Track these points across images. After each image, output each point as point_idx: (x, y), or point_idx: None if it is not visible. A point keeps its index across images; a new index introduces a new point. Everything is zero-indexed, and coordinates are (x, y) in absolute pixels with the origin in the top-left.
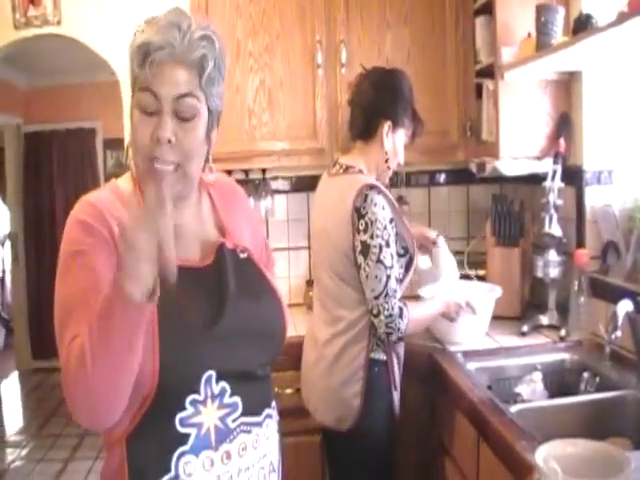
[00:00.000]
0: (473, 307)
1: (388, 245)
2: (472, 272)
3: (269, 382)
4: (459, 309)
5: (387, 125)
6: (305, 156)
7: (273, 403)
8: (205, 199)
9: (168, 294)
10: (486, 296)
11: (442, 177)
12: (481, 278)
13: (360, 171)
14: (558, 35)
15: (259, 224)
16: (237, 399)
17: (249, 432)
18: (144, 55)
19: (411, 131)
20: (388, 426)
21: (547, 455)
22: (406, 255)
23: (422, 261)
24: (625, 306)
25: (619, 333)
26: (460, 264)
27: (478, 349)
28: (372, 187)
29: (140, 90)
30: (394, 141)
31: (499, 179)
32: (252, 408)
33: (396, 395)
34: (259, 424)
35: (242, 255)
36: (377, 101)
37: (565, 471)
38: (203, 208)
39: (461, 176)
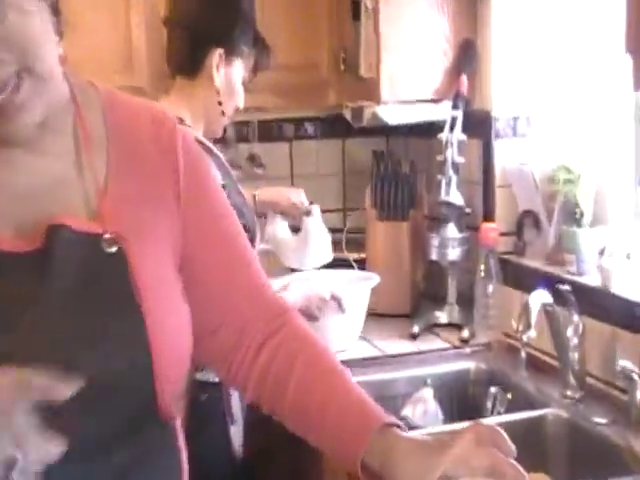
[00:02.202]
0: (341, 301)
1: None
2: (351, 255)
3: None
4: (323, 304)
5: (218, 54)
6: None
7: None
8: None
9: None
10: (359, 286)
11: (309, 128)
12: (361, 263)
13: (181, 121)
14: None
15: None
16: None
17: None
18: None
19: (252, 62)
20: (225, 474)
21: None
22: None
23: (282, 228)
24: (540, 297)
25: (533, 333)
26: (336, 245)
27: (350, 358)
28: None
29: None
30: (229, 76)
31: (382, 130)
32: None
33: (235, 430)
34: None
35: (109, 249)
36: (203, 20)
37: None
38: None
39: (335, 126)
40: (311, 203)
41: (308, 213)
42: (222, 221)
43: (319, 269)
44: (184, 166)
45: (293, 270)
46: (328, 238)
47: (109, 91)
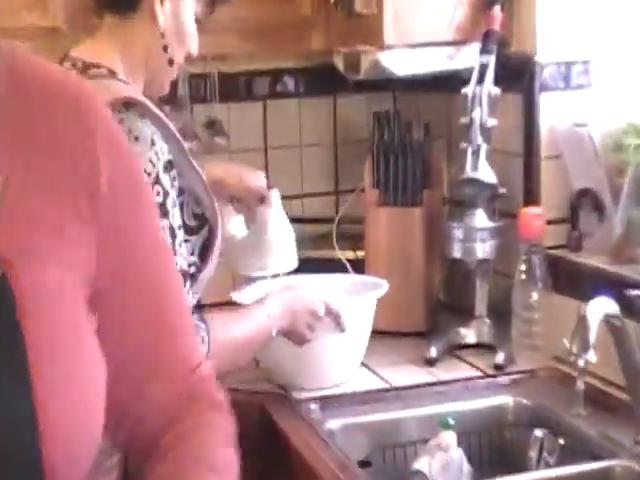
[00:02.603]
0: (339, 317)
1: (165, 214)
2: (344, 254)
3: None
4: (315, 321)
5: None
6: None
7: None
8: None
9: None
10: (362, 297)
11: (288, 82)
12: (357, 264)
13: (111, 72)
14: None
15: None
16: None
17: None
18: None
19: None
20: None
21: None
22: (202, 229)
23: (235, 224)
24: (602, 307)
25: (592, 356)
26: (325, 240)
27: (347, 392)
28: (130, 104)
29: None
30: (176, 12)
31: (386, 85)
32: None
33: None
34: None
35: None
36: None
37: None
38: None
39: (322, 80)
40: (269, 188)
41: (262, 200)
42: (148, 247)
43: (287, 275)
44: (107, 166)
45: (274, 276)
46: (291, 234)
47: (16, 54)
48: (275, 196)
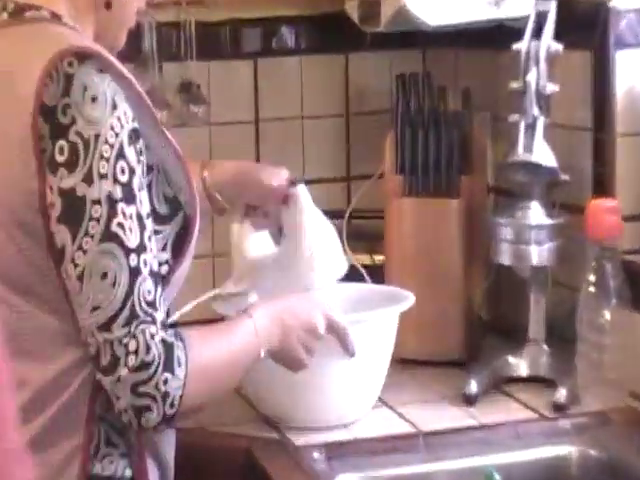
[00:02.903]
0: (345, 336)
1: (131, 199)
2: (358, 259)
3: None
4: (312, 341)
5: None
6: None
7: None
8: None
9: None
10: (380, 312)
11: (286, 36)
12: (374, 272)
13: (55, 15)
14: None
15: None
16: None
17: None
18: None
19: None
20: None
21: None
22: (175, 217)
23: (257, 242)
24: None
25: None
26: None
27: (360, 437)
28: (84, 55)
29: None
30: None
31: (414, 39)
32: None
33: None
34: None
35: None
36: None
37: None
38: None
39: (331, 33)
40: (292, 184)
41: (286, 199)
42: None
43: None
44: None
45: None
46: (333, 234)
47: None
48: (303, 193)
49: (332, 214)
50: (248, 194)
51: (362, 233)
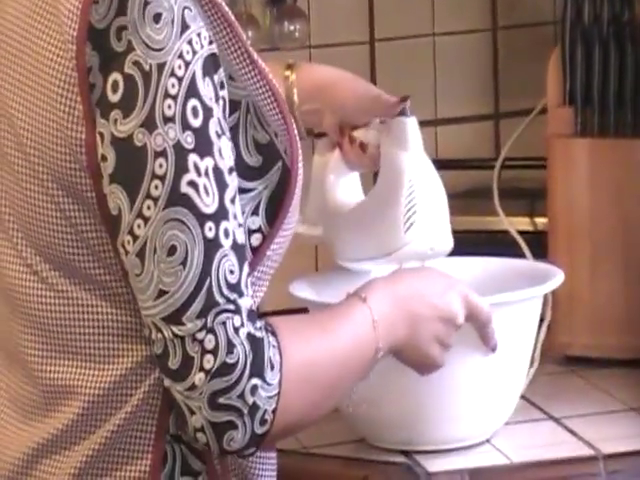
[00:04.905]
0: (488, 324)
1: (206, 148)
2: (512, 222)
3: None
4: (449, 332)
5: None
6: None
7: None
8: None
9: None
10: (530, 293)
11: None
12: (535, 238)
13: None
14: None
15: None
16: None
17: None
18: None
19: None
20: None
21: None
22: (270, 170)
23: (341, 183)
24: None
25: None
26: (479, 199)
27: (515, 463)
28: None
29: None
30: None
31: None
32: None
33: None
34: None
35: None
36: None
37: None
38: None
39: None
40: (401, 113)
41: (399, 115)
42: None
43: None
44: None
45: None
46: (442, 194)
47: None
48: (412, 128)
49: (477, 163)
50: (345, 108)
51: (518, 188)
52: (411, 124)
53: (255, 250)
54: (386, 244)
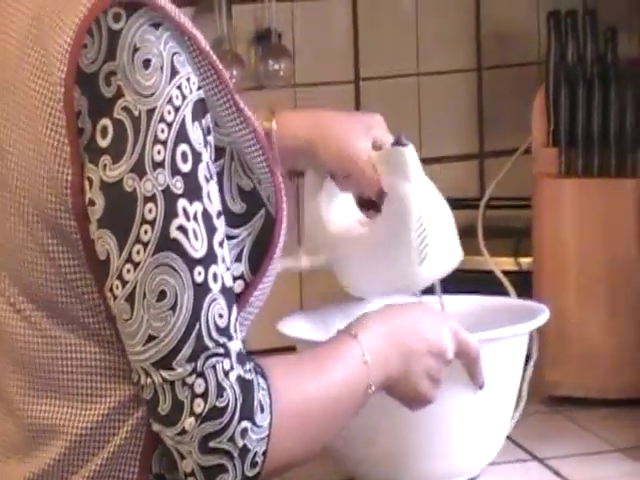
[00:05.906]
0: (477, 360)
1: (195, 193)
2: (497, 262)
3: None
4: (439, 368)
5: None
6: None
7: None
8: None
9: None
10: (515, 330)
11: None
12: (520, 278)
13: None
14: None
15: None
16: None
17: None
18: None
19: None
20: None
21: None
22: (254, 216)
23: (336, 208)
24: None
25: None
26: (463, 238)
27: None
28: (133, 3)
29: None
30: None
31: None
32: None
33: None
34: None
35: None
36: None
37: None
38: None
39: None
40: (397, 143)
41: (397, 152)
42: None
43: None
44: None
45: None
46: (447, 213)
47: None
48: (411, 156)
49: (462, 203)
50: (325, 167)
51: (502, 228)
52: (409, 153)
53: (237, 297)
54: (401, 278)
